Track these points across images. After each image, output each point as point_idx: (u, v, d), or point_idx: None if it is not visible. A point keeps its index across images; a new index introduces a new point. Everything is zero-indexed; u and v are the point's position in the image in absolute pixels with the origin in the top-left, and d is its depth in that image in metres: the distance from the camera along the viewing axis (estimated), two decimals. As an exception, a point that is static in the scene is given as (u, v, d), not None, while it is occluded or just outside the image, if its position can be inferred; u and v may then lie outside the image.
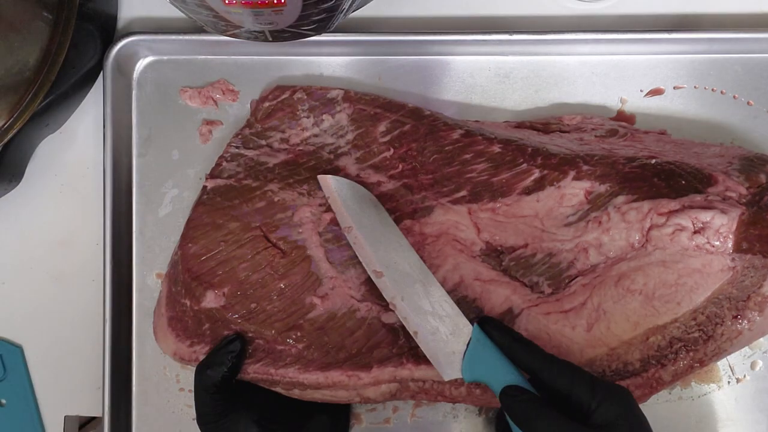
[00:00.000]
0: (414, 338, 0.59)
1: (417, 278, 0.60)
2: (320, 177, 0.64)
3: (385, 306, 0.61)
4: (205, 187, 0.65)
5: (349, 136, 0.65)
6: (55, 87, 0.63)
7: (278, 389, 0.62)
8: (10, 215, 0.71)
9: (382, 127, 0.65)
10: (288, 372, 0.60)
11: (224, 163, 0.65)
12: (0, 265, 0.70)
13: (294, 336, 0.60)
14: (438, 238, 0.63)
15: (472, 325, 0.57)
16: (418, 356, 0.60)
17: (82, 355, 0.69)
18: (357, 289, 0.62)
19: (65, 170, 0.71)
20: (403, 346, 0.61)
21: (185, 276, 0.62)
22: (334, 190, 0.62)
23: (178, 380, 0.68)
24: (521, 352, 0.54)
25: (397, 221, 0.63)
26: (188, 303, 0.62)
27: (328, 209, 0.63)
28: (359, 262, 0.62)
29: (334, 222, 0.63)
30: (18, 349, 0.69)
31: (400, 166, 0.65)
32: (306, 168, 0.65)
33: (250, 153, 0.65)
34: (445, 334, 0.58)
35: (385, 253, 0.60)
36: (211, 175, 0.65)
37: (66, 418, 0.69)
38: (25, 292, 0.70)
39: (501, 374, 0.54)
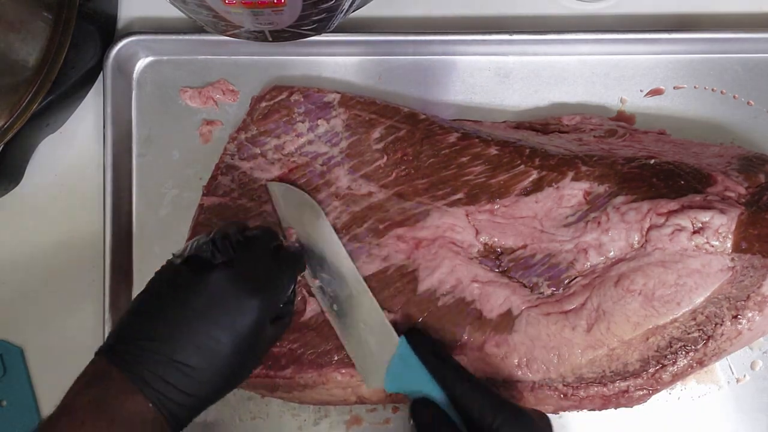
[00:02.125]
0: (344, 346, 0.60)
1: (351, 286, 0.61)
2: (268, 183, 0.65)
3: None
4: (201, 205, 0.66)
5: (343, 144, 0.66)
6: (55, 87, 0.64)
7: (279, 394, 0.63)
8: (10, 215, 0.71)
9: (376, 134, 0.66)
10: (285, 373, 0.61)
11: (219, 176, 0.66)
12: (0, 265, 0.70)
13: (289, 338, 0.61)
14: (433, 241, 0.63)
15: (400, 337, 0.58)
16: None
17: (82, 355, 0.69)
18: None
19: (65, 170, 0.71)
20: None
21: None
22: (278, 196, 0.64)
23: (178, 380, 0.68)
24: (439, 367, 0.55)
25: (387, 231, 0.63)
26: None
27: None
28: None
29: None
30: (18, 349, 0.69)
31: (394, 174, 0.65)
32: (298, 186, 0.65)
33: (244, 165, 0.66)
34: (372, 344, 0.59)
35: (321, 260, 0.62)
36: (207, 192, 0.66)
37: (66, 417, 0.69)
38: (25, 292, 0.70)
39: (419, 387, 0.55)
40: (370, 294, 0.61)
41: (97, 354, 0.50)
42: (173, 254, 0.54)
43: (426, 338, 0.58)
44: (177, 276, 0.51)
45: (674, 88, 0.69)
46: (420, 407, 0.54)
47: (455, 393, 0.53)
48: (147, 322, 0.49)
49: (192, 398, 0.49)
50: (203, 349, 0.49)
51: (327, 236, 0.63)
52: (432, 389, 0.55)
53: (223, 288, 0.50)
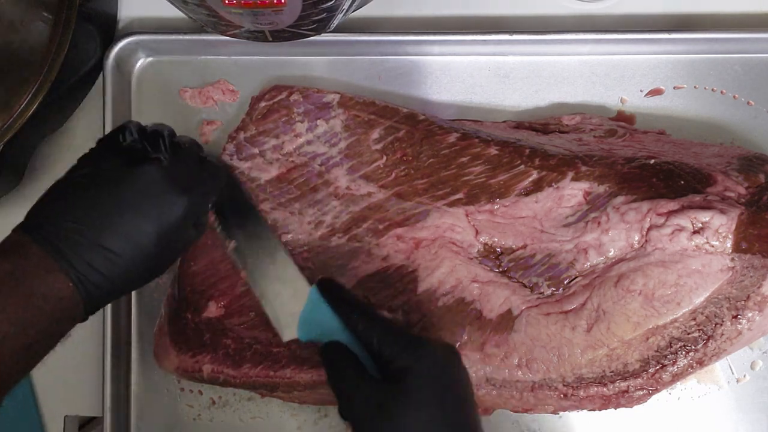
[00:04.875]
0: (260, 302, 0.60)
1: (265, 243, 0.61)
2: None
3: (374, 306, 0.62)
4: None
5: (342, 145, 0.66)
6: (55, 87, 0.64)
7: (279, 394, 0.63)
8: (10, 215, 0.70)
9: (375, 134, 0.66)
10: (285, 373, 0.61)
11: None
12: (0, 265, 0.70)
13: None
14: (433, 241, 0.63)
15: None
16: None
17: (82, 355, 0.69)
18: None
19: (65, 170, 0.71)
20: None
21: (186, 291, 0.64)
22: None
23: (178, 380, 0.68)
24: (347, 310, 0.54)
25: (386, 231, 0.63)
26: (189, 316, 0.63)
27: (317, 226, 0.64)
28: (349, 272, 0.63)
29: (323, 238, 0.64)
30: (18, 349, 0.69)
31: (393, 174, 0.65)
32: (297, 185, 0.65)
33: (242, 165, 0.66)
34: (286, 297, 0.59)
35: (235, 221, 0.62)
36: None
37: (66, 418, 0.69)
38: (25, 292, 0.70)
39: (330, 334, 0.55)
40: (284, 249, 0.61)
41: (15, 229, 0.50)
42: (99, 139, 0.55)
43: (337, 284, 0.57)
44: (109, 165, 0.52)
45: (674, 88, 0.69)
46: (327, 348, 0.54)
47: (358, 330, 0.53)
48: (75, 206, 0.50)
49: (112, 284, 0.49)
50: (129, 239, 0.50)
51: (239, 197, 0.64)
52: (342, 334, 0.54)
53: (156, 183, 0.51)
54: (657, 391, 0.60)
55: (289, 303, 0.59)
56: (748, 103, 0.69)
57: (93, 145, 0.70)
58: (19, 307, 0.46)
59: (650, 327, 0.59)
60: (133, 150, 0.53)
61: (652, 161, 0.62)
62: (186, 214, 0.52)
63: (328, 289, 0.57)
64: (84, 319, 0.50)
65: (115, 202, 0.50)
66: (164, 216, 0.51)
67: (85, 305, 0.49)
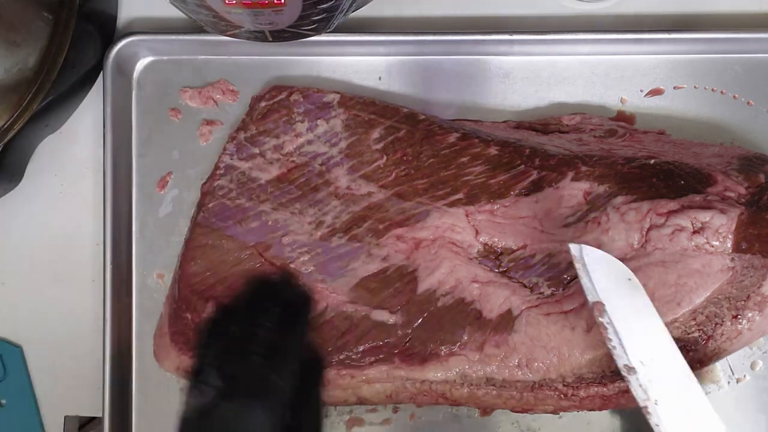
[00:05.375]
0: None
1: (673, 375, 0.53)
2: (572, 246, 0.55)
3: (374, 306, 0.61)
4: (200, 205, 0.66)
5: (342, 144, 0.66)
6: (55, 87, 0.64)
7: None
8: (10, 215, 0.71)
9: (376, 134, 0.66)
10: (286, 373, 0.61)
11: (218, 177, 0.66)
12: (0, 265, 0.70)
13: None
14: (433, 241, 0.63)
15: None
16: (411, 356, 0.60)
17: (82, 355, 0.69)
18: (346, 295, 0.62)
19: (65, 170, 0.71)
20: (394, 345, 0.61)
21: (186, 292, 0.63)
22: (586, 263, 0.55)
23: (178, 380, 0.68)
24: None
25: (387, 231, 0.63)
26: (189, 317, 0.63)
27: (318, 226, 0.64)
28: (349, 272, 0.62)
29: (323, 238, 0.63)
30: (18, 349, 0.69)
31: (394, 174, 0.65)
32: (297, 185, 0.65)
33: (243, 165, 0.66)
34: None
35: (638, 340, 0.53)
36: (206, 192, 0.66)
37: (66, 418, 0.69)
38: (25, 292, 0.70)
39: None
40: (699, 387, 0.53)
41: None
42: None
43: None
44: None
45: (674, 88, 0.69)
46: None
47: None
48: None
49: None
50: None
51: (645, 313, 0.54)
52: None
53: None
54: (657, 391, 0.60)
55: None
56: (748, 103, 0.69)
57: (93, 145, 0.70)
58: None
59: (650, 327, 0.59)
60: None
61: (652, 161, 0.62)
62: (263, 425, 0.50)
63: None
64: None
65: None
66: None
67: None
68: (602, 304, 0.53)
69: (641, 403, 0.52)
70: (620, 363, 0.53)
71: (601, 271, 0.54)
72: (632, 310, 0.54)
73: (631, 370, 0.53)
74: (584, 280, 0.54)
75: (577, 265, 0.55)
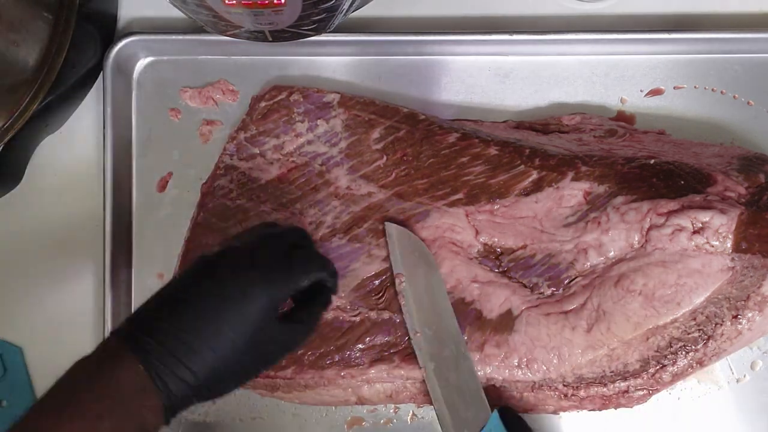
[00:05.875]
0: (434, 407, 0.60)
1: (452, 347, 0.60)
2: (386, 224, 0.63)
3: (373, 307, 0.62)
4: (200, 205, 0.66)
5: (342, 144, 0.66)
6: (55, 87, 0.64)
7: (279, 394, 0.63)
8: (10, 215, 0.71)
9: (376, 134, 0.66)
10: (286, 373, 0.61)
11: (218, 177, 0.66)
12: (0, 265, 0.70)
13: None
14: (434, 241, 0.63)
15: (492, 411, 0.58)
16: (411, 356, 0.61)
17: (82, 355, 0.69)
18: (347, 296, 0.62)
19: (65, 170, 0.71)
20: (394, 345, 0.61)
21: None
22: (394, 239, 0.62)
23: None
24: None
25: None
26: None
27: (318, 227, 0.64)
28: (350, 272, 0.62)
29: (324, 238, 0.64)
30: (18, 349, 0.69)
31: (393, 174, 0.65)
32: (297, 186, 0.65)
33: (243, 165, 0.66)
34: (462, 411, 0.59)
35: (426, 313, 0.61)
36: (206, 192, 0.66)
37: (66, 418, 0.69)
38: (25, 292, 0.70)
39: None
40: (471, 360, 0.60)
41: (121, 337, 0.51)
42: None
43: (519, 418, 0.58)
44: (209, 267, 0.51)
45: (674, 88, 0.69)
46: None
47: None
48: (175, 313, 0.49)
49: (194, 398, 0.49)
50: (212, 339, 0.48)
51: (437, 291, 0.61)
52: None
53: (227, 278, 0.50)
54: (657, 391, 0.60)
55: (465, 418, 0.59)
56: (748, 103, 0.69)
57: (93, 145, 0.70)
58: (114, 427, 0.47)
59: (650, 327, 0.59)
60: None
61: (652, 161, 0.62)
62: (261, 305, 0.50)
63: (512, 422, 0.57)
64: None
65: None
66: (241, 312, 0.49)
67: (165, 410, 0.48)
68: (402, 275, 0.61)
69: (422, 364, 0.60)
70: (409, 326, 0.61)
71: (404, 248, 0.62)
72: (425, 282, 0.61)
73: (416, 333, 0.60)
74: (391, 255, 0.62)
75: (388, 240, 0.63)
